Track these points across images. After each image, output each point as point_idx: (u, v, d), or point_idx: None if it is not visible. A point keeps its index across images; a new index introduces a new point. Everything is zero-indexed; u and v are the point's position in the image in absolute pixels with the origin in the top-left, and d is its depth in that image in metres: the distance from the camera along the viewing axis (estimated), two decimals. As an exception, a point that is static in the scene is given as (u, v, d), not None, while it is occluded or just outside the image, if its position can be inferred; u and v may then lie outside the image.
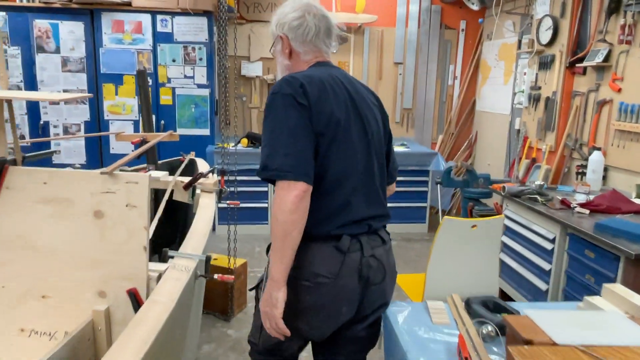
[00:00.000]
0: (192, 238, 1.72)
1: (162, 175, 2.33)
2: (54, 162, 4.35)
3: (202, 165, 2.97)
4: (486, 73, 5.06)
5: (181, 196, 2.31)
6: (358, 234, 1.33)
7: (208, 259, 1.51)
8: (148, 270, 1.39)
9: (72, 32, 4.20)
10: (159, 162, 3.03)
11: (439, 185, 3.55)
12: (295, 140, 1.21)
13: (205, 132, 4.49)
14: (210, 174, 2.45)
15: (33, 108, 4.28)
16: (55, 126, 4.35)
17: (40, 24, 4.15)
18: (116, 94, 4.36)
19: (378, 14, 4.99)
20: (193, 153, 3.18)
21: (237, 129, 4.88)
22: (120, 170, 2.46)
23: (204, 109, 4.47)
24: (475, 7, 4.40)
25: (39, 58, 4.21)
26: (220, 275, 1.53)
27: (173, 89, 4.41)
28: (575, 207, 2.46)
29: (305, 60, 1.42)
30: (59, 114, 4.33)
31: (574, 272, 2.31)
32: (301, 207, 1.19)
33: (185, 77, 4.40)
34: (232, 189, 3.35)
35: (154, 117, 4.41)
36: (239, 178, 3.57)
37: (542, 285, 2.49)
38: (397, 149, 4.78)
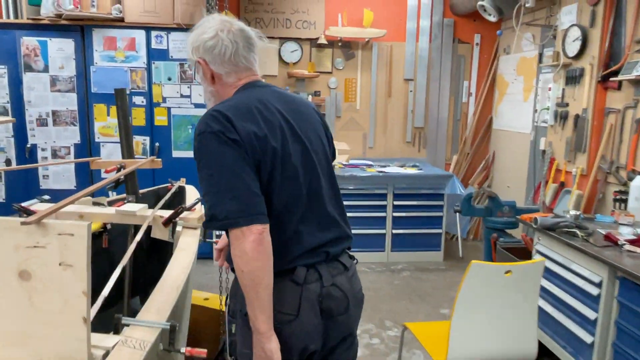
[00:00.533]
0: (159, 295, 1.38)
1: (138, 208, 2.01)
2: (41, 188, 4.07)
3: (192, 194, 2.65)
4: (503, 89, 4.73)
5: (160, 233, 1.99)
6: (315, 263, 1.26)
7: (173, 328, 1.17)
8: (90, 347, 1.06)
9: (61, 49, 3.96)
10: (145, 190, 2.72)
11: (457, 213, 3.19)
12: (237, 179, 1.14)
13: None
14: (197, 206, 2.13)
15: (19, 130, 4.02)
16: (43, 149, 4.07)
17: (28, 42, 3.91)
18: (108, 114, 4.08)
19: (387, 28, 4.71)
20: (183, 180, 2.86)
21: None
22: (95, 203, 2.15)
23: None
24: (492, 19, 4.10)
25: (27, 77, 3.95)
26: (189, 349, 1.19)
27: (168, 109, 4.12)
28: (624, 244, 2.09)
29: (229, 82, 1.31)
30: (47, 136, 4.06)
31: (626, 323, 1.93)
32: (263, 250, 1.13)
33: (182, 96, 4.12)
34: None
35: (148, 138, 4.12)
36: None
37: (587, 337, 2.11)
38: (408, 170, 4.45)
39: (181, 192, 2.76)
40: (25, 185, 4.06)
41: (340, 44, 4.74)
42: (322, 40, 4.64)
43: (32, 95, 3.99)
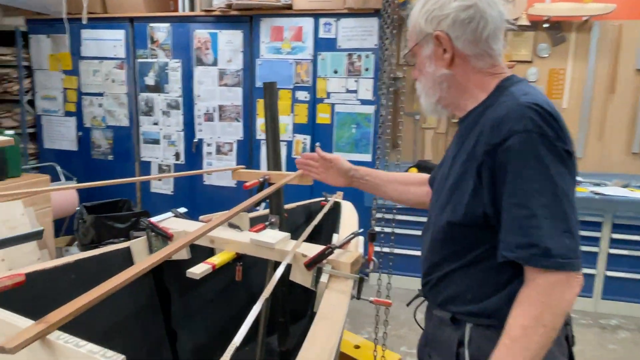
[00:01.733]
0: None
1: (277, 239, 1.52)
2: (204, 183, 4.02)
3: (348, 216, 2.10)
4: None
5: (301, 277, 1.47)
6: None
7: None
8: None
9: (230, 42, 3.79)
10: (293, 205, 2.26)
11: None
12: (572, 210, 0.92)
13: (367, 157, 3.65)
14: (352, 241, 1.56)
15: (188, 124, 4.00)
16: (208, 144, 4.00)
17: (200, 35, 3.84)
18: (270, 110, 3.81)
19: (617, 2, 3.53)
20: (340, 194, 2.34)
21: (405, 154, 3.94)
22: (231, 226, 1.74)
23: (367, 130, 3.64)
24: None
25: (197, 71, 3.90)
26: None
27: (332, 105, 3.68)
28: None
29: (478, 68, 1.05)
30: (212, 131, 3.97)
31: None
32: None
33: (348, 91, 3.63)
34: (386, 251, 2.41)
35: (309, 138, 3.74)
36: (398, 217, 2.64)
37: None
38: (636, 193, 3.27)
39: (336, 210, 2.24)
40: (190, 179, 4.04)
41: (546, 25, 3.72)
42: (523, 21, 3.68)
43: (202, 90, 3.92)
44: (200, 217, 1.87)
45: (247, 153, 3.91)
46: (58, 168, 3.93)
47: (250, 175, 1.83)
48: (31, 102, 4.28)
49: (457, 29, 1.02)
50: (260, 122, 3.84)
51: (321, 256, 1.39)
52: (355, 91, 3.61)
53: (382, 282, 2.29)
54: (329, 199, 2.28)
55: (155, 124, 4.07)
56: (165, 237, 1.64)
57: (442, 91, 1.09)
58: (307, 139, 3.75)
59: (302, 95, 3.71)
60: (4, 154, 2.89)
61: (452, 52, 1.04)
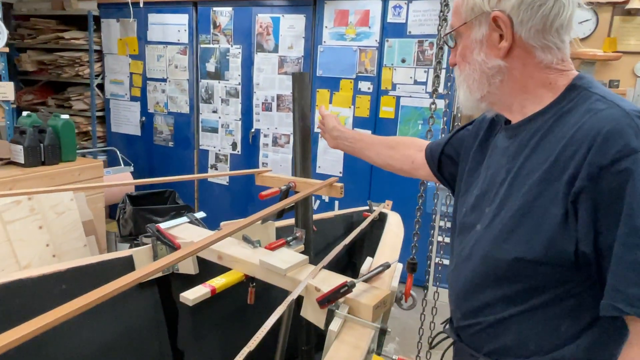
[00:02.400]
0: None
1: (290, 263, 1.26)
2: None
3: (392, 233, 1.78)
4: None
5: (312, 314, 1.20)
6: None
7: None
8: None
9: (292, 27, 3.55)
10: (332, 214, 1.98)
11: None
12: None
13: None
14: (380, 280, 1.26)
15: (247, 113, 3.84)
16: (265, 135, 3.82)
17: (262, 19, 3.63)
18: (330, 102, 3.54)
19: None
20: (389, 203, 2.02)
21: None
22: (246, 240, 1.50)
23: (435, 127, 3.23)
24: None
25: (258, 58, 3.71)
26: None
27: (397, 97, 3.32)
28: None
29: (544, 63, 0.83)
30: (270, 121, 3.78)
31: None
32: None
33: (416, 82, 3.25)
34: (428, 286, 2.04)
35: (369, 132, 3.42)
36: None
37: None
38: None
39: (381, 221, 1.93)
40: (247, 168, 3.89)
41: (666, 8, 3.07)
42: (635, 4, 3.06)
43: (261, 78, 3.73)
44: (222, 224, 1.65)
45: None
46: (118, 153, 3.96)
47: (274, 181, 1.57)
48: (101, 86, 4.36)
49: (524, 12, 0.80)
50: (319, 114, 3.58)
51: (335, 294, 1.11)
52: (424, 83, 3.22)
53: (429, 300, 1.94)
54: (374, 208, 1.98)
55: (215, 112, 3.96)
56: (171, 247, 1.44)
57: (491, 86, 0.86)
58: (368, 133, 3.43)
59: (365, 86, 3.39)
60: (58, 138, 2.89)
61: (511, 40, 0.82)
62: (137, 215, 2.57)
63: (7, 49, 3.10)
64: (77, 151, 4.02)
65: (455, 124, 1.96)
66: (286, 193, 1.49)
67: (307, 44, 3.53)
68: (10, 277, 1.24)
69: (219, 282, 1.31)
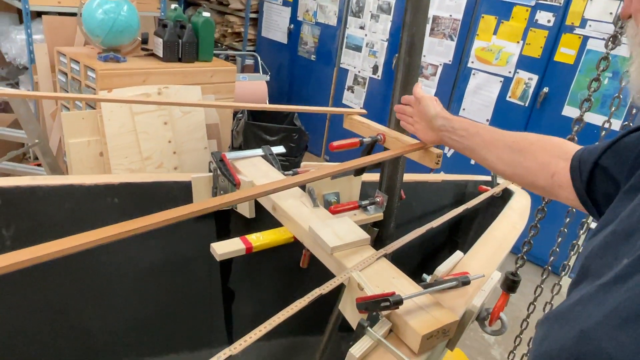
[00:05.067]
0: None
1: (342, 240, 1.00)
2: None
3: (514, 218, 1.35)
4: None
5: (350, 313, 0.94)
6: None
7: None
8: None
9: None
10: (439, 178, 1.59)
11: None
12: None
13: (613, 123, 2.51)
14: (476, 280, 0.91)
15: (395, 34, 3.40)
16: (411, 62, 3.36)
17: None
18: (494, 32, 2.90)
19: None
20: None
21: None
22: (309, 192, 1.24)
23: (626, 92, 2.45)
24: None
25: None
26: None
27: (584, 38, 2.56)
28: None
29: None
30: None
31: None
32: None
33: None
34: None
35: (536, 78, 2.76)
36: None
37: None
38: None
39: (504, 200, 1.49)
40: (385, 94, 3.53)
41: None
42: None
43: (419, -6, 3.20)
44: (302, 164, 1.42)
45: (451, 82, 3.16)
46: (259, 59, 3.90)
47: (361, 128, 1.25)
48: (258, -14, 4.26)
49: None
50: (477, 45, 2.99)
51: (373, 304, 0.81)
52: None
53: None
54: (498, 182, 1.54)
55: (362, 27, 3.59)
56: (231, 181, 1.26)
57: None
58: (534, 79, 2.77)
59: (545, 17, 2.67)
60: (197, 36, 2.87)
61: None
62: (248, 129, 2.47)
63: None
64: (223, 52, 4.07)
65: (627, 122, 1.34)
66: (371, 147, 1.17)
67: (482, -44, 2.87)
68: (63, 180, 1.19)
69: (261, 239, 1.10)
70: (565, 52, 2.63)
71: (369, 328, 0.79)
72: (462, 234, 1.58)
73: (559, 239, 1.30)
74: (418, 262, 1.65)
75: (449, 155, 3.00)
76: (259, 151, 1.39)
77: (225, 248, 1.04)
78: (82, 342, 1.31)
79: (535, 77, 2.75)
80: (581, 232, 1.40)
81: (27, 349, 1.23)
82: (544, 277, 1.04)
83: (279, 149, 1.42)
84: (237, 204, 1.29)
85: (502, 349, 2.35)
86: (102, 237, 0.66)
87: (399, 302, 0.79)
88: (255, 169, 1.30)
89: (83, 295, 1.29)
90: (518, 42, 2.80)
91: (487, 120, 2.97)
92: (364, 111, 1.32)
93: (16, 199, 1.14)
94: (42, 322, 1.23)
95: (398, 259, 1.04)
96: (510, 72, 2.85)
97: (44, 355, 1.26)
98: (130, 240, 1.32)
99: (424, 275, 1.01)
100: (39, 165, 2.85)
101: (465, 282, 0.90)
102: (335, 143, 1.10)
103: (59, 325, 1.26)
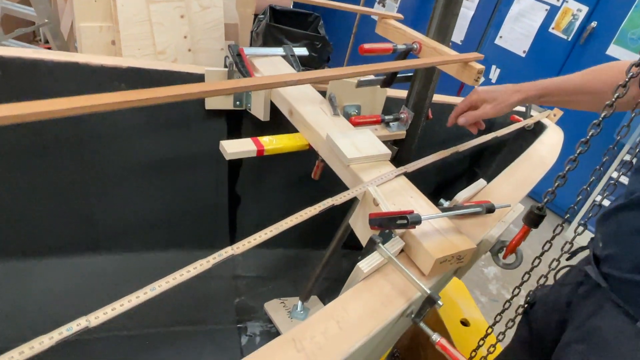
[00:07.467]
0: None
1: (361, 152, 0.93)
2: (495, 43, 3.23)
3: (544, 153, 1.26)
4: None
5: (361, 229, 0.90)
6: None
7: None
8: None
9: None
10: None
11: None
12: None
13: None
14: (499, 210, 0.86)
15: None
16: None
17: None
18: (550, -48, 2.61)
19: None
20: (557, 113, 1.44)
21: None
22: (330, 98, 1.15)
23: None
24: None
25: None
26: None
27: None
28: None
29: None
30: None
31: None
32: None
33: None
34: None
35: (585, 10, 2.52)
36: None
37: None
38: None
39: (535, 134, 1.40)
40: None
41: None
42: None
43: None
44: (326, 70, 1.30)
45: (492, 5, 2.91)
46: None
47: (395, 34, 1.12)
48: None
49: None
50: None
51: (389, 221, 0.76)
52: None
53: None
54: (531, 113, 1.43)
55: None
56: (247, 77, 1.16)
57: None
58: (583, 10, 2.53)
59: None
60: None
61: None
62: (268, 32, 2.31)
63: None
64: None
65: None
66: (404, 55, 1.06)
67: None
68: (69, 57, 1.11)
69: (274, 143, 1.03)
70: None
71: (380, 244, 0.74)
72: (484, 165, 1.51)
73: (579, 197, 1.20)
74: (432, 190, 1.59)
75: (493, 81, 2.85)
76: (280, 50, 1.28)
77: (235, 147, 0.98)
78: (84, 230, 1.30)
79: (585, 9, 2.51)
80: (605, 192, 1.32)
81: (27, 230, 1.22)
82: (567, 216, 0.98)
83: (302, 51, 1.31)
84: (254, 101, 1.21)
85: (499, 284, 2.36)
86: (103, 102, 0.61)
87: (417, 221, 0.73)
88: (275, 69, 1.20)
89: (88, 182, 1.25)
90: (574, -34, 2.53)
91: (524, 51, 2.76)
92: (400, 16, 1.18)
93: (17, 72, 1.07)
94: (43, 200, 1.20)
95: (412, 182, 0.98)
96: (557, 0, 2.61)
97: (44, 238, 1.25)
98: (140, 132, 1.26)
99: (442, 200, 0.95)
100: (49, 48, 2.74)
101: (490, 210, 0.84)
102: (367, 46, 0.99)
103: (61, 208, 1.24)
